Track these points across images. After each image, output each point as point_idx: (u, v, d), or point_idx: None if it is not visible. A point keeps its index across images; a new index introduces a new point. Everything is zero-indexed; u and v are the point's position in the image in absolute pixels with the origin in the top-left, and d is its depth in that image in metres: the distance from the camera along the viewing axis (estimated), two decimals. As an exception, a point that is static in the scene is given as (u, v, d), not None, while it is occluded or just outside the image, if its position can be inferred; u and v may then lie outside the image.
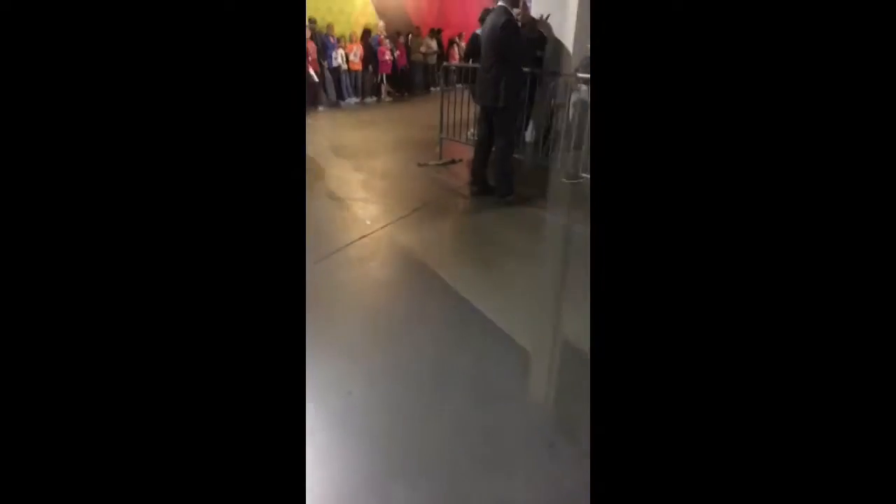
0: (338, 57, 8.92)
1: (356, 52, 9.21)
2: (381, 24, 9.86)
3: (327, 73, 8.82)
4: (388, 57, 9.66)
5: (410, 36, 10.73)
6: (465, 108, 5.00)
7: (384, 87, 9.97)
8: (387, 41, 9.70)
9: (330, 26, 8.81)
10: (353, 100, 9.46)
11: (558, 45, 4.95)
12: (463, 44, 12.53)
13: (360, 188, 4.33)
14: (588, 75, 4.03)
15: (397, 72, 10.20)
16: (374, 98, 9.97)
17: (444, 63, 9.54)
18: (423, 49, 10.97)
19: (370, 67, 9.59)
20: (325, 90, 8.83)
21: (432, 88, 11.91)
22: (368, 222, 3.53)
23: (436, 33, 11.68)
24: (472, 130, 5.20)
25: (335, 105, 9.04)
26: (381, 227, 3.44)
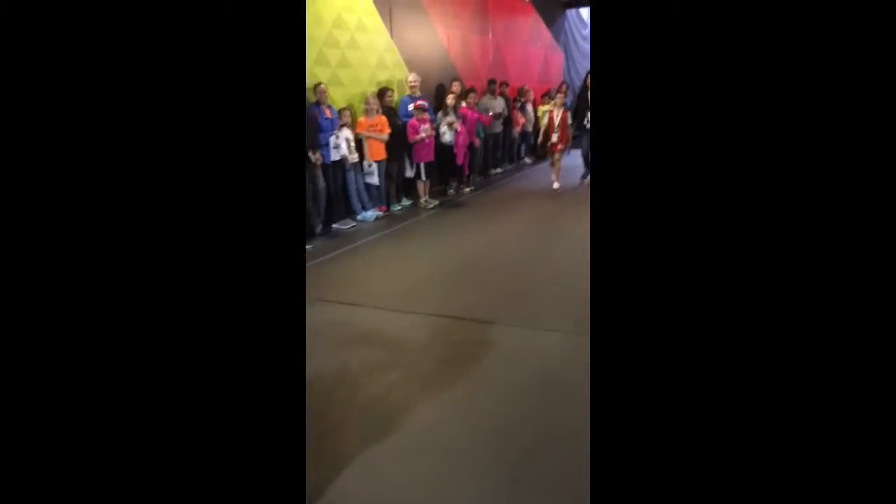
0: (341, 141, 4.78)
1: (378, 126, 5.09)
2: (413, 77, 5.75)
3: (319, 176, 4.62)
4: (425, 132, 5.49)
5: (470, 95, 6.61)
6: None
7: (422, 185, 5.73)
8: (423, 107, 5.54)
9: (321, 90, 4.66)
10: (373, 213, 5.25)
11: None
12: (532, 105, 8.45)
13: None
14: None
15: (454, 155, 5.99)
16: (404, 204, 5.75)
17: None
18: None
19: (390, 150, 5.42)
20: (316, 206, 4.62)
21: (493, 171, 7.73)
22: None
23: (501, 87, 7.59)
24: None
25: (337, 231, 4.83)
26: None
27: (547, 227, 4.89)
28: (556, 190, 6.31)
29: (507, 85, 7.77)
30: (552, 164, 6.53)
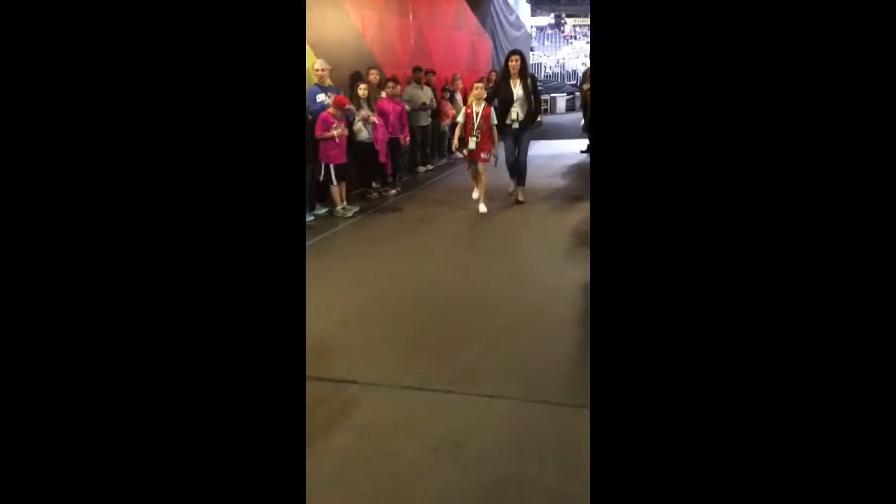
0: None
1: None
2: (320, 63, 4.87)
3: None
4: (337, 130, 4.65)
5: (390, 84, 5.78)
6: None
7: (337, 190, 4.89)
8: (349, 109, 4.67)
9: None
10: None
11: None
12: (458, 94, 7.78)
13: None
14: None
15: (369, 153, 5.18)
16: (318, 213, 4.91)
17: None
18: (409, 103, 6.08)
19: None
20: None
21: (421, 168, 7.02)
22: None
23: (427, 75, 6.83)
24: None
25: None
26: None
27: (483, 238, 4.22)
28: (482, 213, 4.75)
29: (434, 73, 7.03)
30: (473, 176, 5.05)
